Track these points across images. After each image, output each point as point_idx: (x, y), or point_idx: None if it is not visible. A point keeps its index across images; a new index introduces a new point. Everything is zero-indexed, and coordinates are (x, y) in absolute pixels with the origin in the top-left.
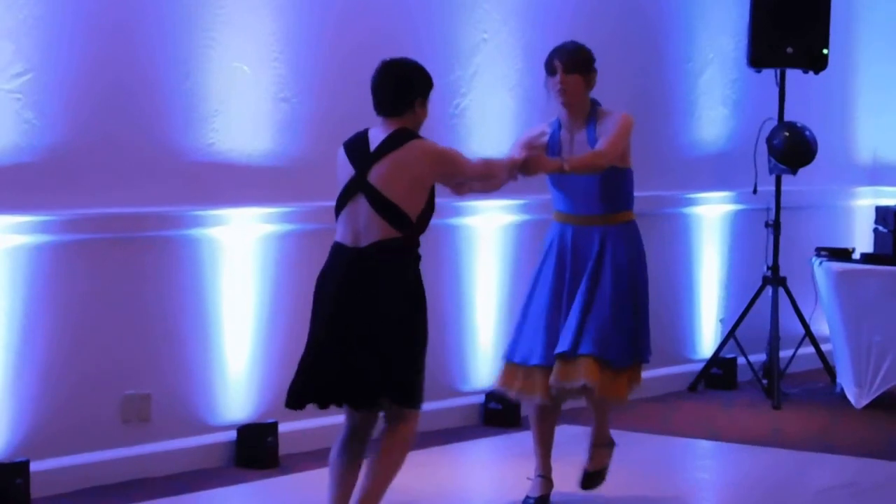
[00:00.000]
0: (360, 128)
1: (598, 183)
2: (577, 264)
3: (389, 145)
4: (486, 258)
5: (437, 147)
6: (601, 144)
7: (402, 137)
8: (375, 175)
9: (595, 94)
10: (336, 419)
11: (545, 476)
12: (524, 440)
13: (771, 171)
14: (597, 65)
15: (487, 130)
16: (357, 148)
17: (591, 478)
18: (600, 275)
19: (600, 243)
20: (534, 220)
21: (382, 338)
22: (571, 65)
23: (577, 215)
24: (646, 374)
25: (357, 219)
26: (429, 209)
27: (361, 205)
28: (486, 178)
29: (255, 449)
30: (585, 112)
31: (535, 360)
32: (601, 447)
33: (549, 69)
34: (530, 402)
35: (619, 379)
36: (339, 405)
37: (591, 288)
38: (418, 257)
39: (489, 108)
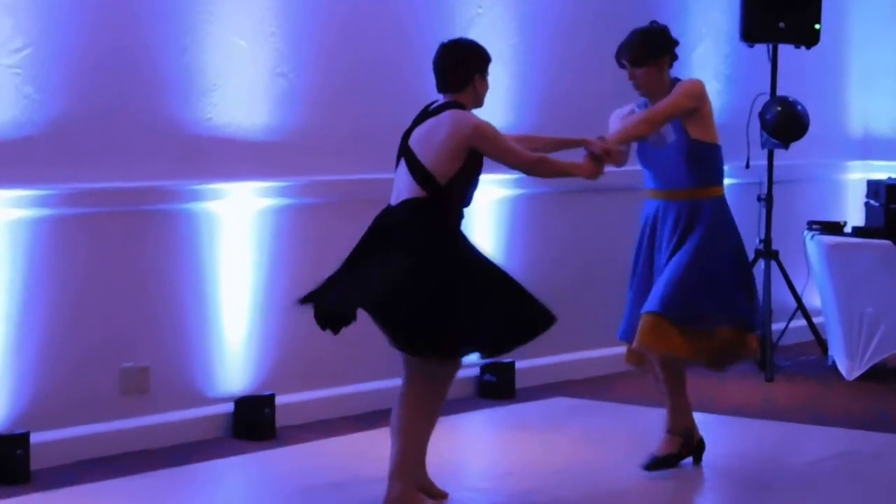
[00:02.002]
0: (357, 102)
1: (677, 157)
2: (661, 239)
3: (432, 113)
4: (480, 232)
5: (471, 119)
6: (646, 111)
7: (443, 107)
8: (414, 138)
9: (588, 70)
10: (331, 391)
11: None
12: (519, 412)
13: (763, 146)
14: (588, 41)
15: (483, 108)
16: (416, 117)
17: (655, 462)
18: (680, 246)
19: (677, 218)
20: (528, 194)
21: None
22: (637, 58)
23: (662, 191)
24: None
25: (398, 178)
26: (464, 176)
27: (401, 166)
28: (538, 172)
29: (252, 420)
30: (666, 93)
31: (619, 336)
32: (671, 433)
33: (620, 65)
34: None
35: (670, 333)
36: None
37: (670, 258)
38: (445, 218)
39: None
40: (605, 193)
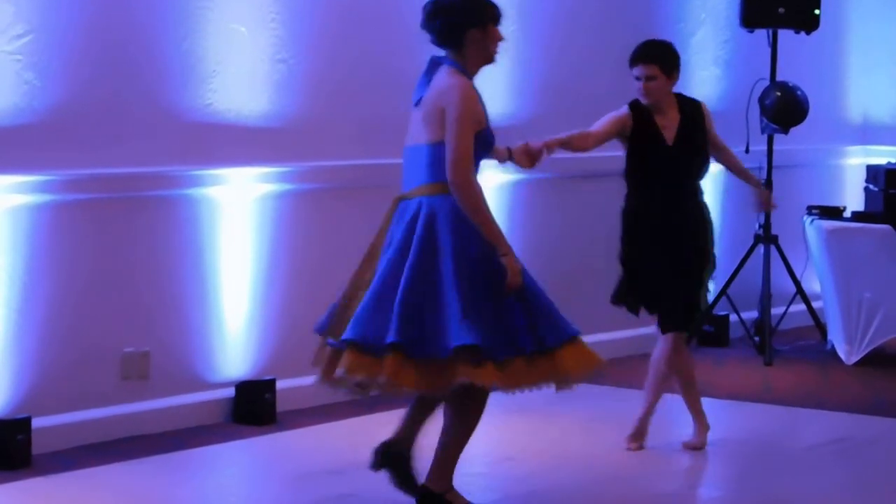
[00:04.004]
0: (357, 88)
1: None
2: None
3: None
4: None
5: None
6: None
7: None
8: None
9: (588, 56)
10: None
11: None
12: (517, 396)
13: (763, 131)
14: (589, 27)
15: (482, 92)
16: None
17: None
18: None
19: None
20: (528, 179)
21: None
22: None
23: None
24: (639, 330)
25: None
26: None
27: None
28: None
29: (252, 405)
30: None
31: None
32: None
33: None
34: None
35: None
36: None
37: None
38: None
39: (484, 70)
40: (606, 179)
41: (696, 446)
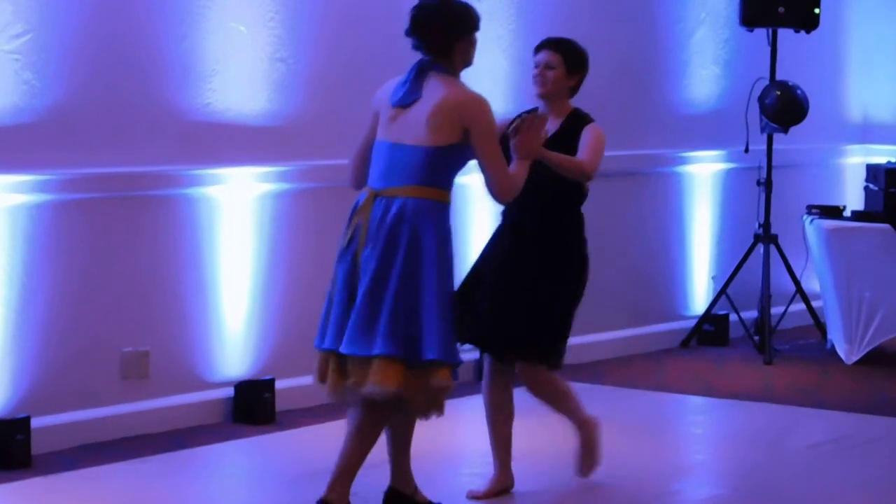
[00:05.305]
0: (356, 86)
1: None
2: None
3: None
4: (481, 219)
5: None
6: None
7: None
8: None
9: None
10: None
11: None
12: (518, 396)
13: (762, 130)
14: (589, 27)
15: (481, 91)
16: None
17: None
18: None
19: None
20: None
21: None
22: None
23: None
24: (640, 330)
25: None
26: None
27: None
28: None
29: (252, 405)
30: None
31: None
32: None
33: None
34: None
35: None
36: None
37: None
38: None
39: (483, 68)
40: (606, 179)
41: (480, 496)
